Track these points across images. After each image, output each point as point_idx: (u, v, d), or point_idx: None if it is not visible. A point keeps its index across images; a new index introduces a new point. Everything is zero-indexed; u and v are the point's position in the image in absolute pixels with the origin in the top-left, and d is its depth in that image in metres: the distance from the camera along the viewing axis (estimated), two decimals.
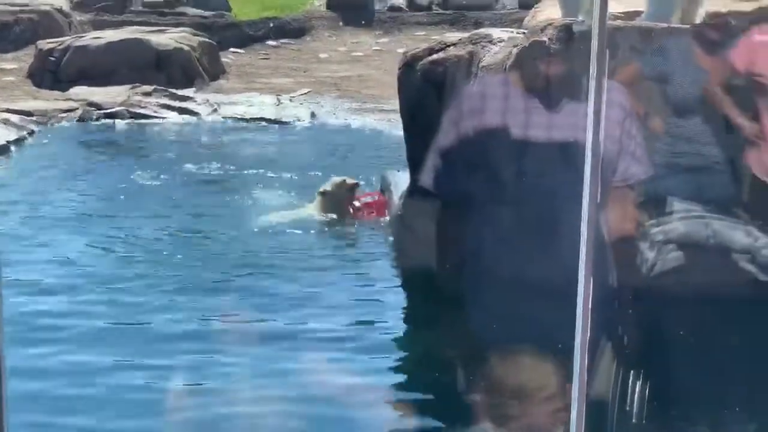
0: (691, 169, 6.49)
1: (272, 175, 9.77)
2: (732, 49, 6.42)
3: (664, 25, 6.85)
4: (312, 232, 8.33)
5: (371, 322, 6.84)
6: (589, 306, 2.79)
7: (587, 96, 2.77)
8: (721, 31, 6.57)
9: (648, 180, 5.54)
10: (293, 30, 16.83)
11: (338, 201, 8.42)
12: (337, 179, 8.52)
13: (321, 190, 8.51)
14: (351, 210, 8.49)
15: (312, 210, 8.52)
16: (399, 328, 6.96)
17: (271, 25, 16.75)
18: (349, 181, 8.50)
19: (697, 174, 6.47)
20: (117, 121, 11.68)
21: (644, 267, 5.95)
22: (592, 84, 2.67)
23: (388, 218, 8.38)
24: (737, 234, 6.08)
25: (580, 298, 2.81)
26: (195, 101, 12.48)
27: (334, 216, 8.41)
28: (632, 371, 5.21)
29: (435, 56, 7.23)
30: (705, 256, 6.03)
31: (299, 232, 8.27)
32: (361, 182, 8.76)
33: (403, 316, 7.14)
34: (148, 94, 12.45)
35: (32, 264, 7.34)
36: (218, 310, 6.82)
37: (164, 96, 12.45)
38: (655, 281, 5.94)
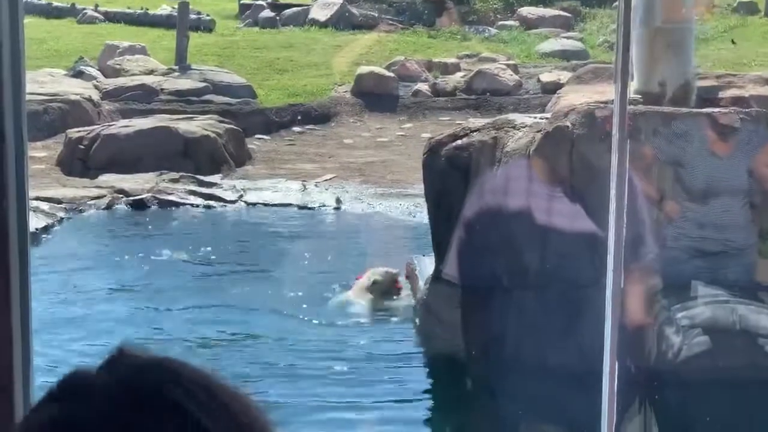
0: (712, 253, 6.50)
1: (299, 260, 9.82)
2: None
3: (685, 109, 6.91)
4: (340, 318, 8.41)
5: (397, 404, 6.86)
6: (615, 391, 2.81)
7: (609, 182, 2.81)
8: (737, 117, 6.63)
9: (661, 263, 5.55)
10: (318, 116, 16.98)
11: (385, 290, 8.70)
12: (382, 270, 8.80)
13: (372, 279, 8.70)
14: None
15: (357, 296, 8.71)
16: (424, 410, 6.96)
17: (296, 111, 16.92)
18: (392, 271, 8.80)
19: (720, 258, 6.48)
20: (145, 207, 11.79)
21: (670, 352, 5.92)
22: (614, 171, 2.72)
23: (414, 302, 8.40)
24: (763, 318, 6.04)
25: (606, 381, 2.83)
26: (221, 187, 12.59)
27: (381, 302, 8.65)
28: None
29: (459, 142, 7.30)
30: (731, 340, 5.99)
31: (330, 318, 8.36)
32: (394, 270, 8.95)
33: (428, 398, 7.14)
34: (175, 180, 12.57)
35: (60, 351, 7.39)
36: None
37: (191, 182, 12.57)
38: (682, 366, 5.91)
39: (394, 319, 8.42)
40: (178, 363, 1.06)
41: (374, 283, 8.68)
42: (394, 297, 8.72)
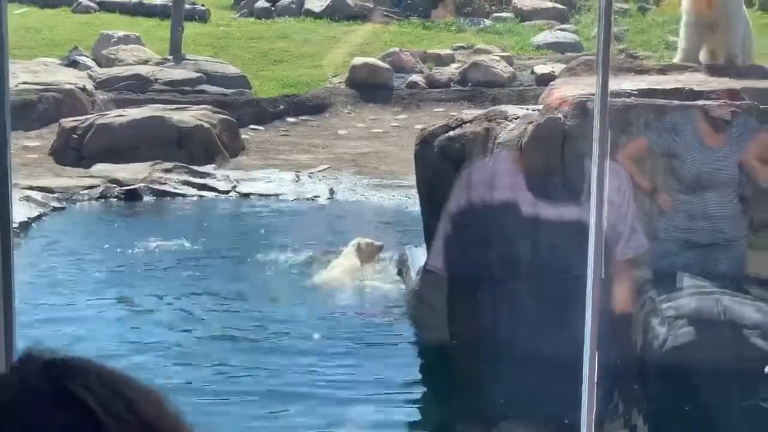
0: (703, 245, 6.51)
1: (291, 251, 9.83)
2: None
3: (677, 102, 6.91)
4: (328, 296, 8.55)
5: (385, 389, 6.90)
6: (595, 381, 2.82)
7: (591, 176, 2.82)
8: (728, 109, 6.64)
9: (651, 255, 5.57)
10: (312, 107, 16.97)
11: (368, 257, 9.23)
12: (367, 239, 9.35)
13: (356, 243, 9.23)
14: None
15: (346, 260, 9.13)
16: (413, 396, 6.99)
17: (291, 102, 16.90)
18: (377, 243, 9.35)
19: (707, 250, 6.50)
20: (138, 197, 11.78)
21: (655, 343, 5.94)
22: (595, 162, 2.73)
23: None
24: (747, 309, 6.07)
25: (586, 372, 2.84)
26: (215, 178, 12.59)
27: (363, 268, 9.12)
28: None
29: (452, 133, 7.30)
30: (716, 331, 6.01)
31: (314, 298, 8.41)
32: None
33: (418, 385, 7.17)
34: (169, 170, 12.56)
35: (49, 338, 7.39)
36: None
37: (185, 173, 12.56)
38: (666, 357, 5.93)
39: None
40: (85, 361, 1.07)
41: (359, 246, 9.18)
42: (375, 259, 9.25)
